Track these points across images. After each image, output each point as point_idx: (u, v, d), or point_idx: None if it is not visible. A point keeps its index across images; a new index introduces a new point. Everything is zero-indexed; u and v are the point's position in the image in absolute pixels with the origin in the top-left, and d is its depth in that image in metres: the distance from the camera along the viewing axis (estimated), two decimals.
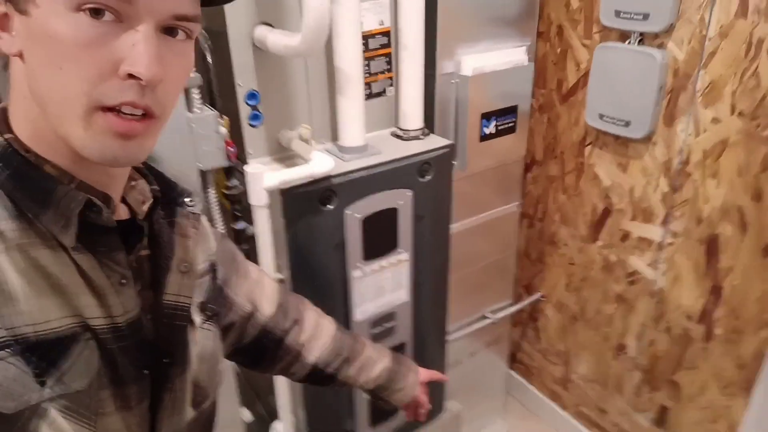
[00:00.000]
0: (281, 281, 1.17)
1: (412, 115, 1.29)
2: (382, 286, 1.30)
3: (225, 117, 1.08)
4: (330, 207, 1.14)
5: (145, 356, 0.55)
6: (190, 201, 0.63)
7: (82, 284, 0.49)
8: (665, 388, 1.61)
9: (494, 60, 1.41)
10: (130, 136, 0.47)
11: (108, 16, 0.44)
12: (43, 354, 0.46)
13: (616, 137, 1.50)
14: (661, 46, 1.33)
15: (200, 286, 0.65)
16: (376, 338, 1.35)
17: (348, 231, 1.18)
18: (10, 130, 0.50)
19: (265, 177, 1.04)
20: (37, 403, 0.46)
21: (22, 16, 0.45)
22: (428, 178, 1.25)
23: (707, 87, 1.28)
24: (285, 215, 1.10)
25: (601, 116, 1.48)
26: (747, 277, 1.32)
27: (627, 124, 1.43)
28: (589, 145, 1.61)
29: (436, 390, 1.59)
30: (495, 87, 1.43)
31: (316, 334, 0.86)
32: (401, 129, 1.32)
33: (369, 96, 1.29)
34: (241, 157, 1.18)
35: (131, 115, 0.47)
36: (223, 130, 1.06)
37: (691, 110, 1.33)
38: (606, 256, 1.66)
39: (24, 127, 0.49)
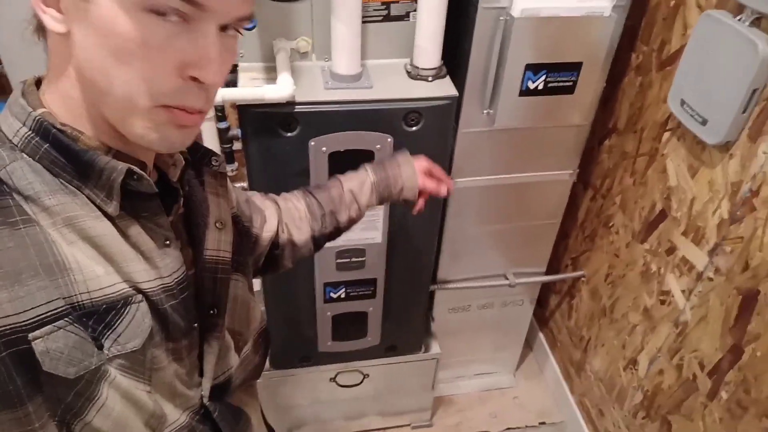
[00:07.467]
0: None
1: (426, 51, 1.13)
2: None
3: None
4: (291, 134, 1.08)
5: (193, 311, 0.58)
6: (216, 160, 0.64)
7: (129, 250, 0.50)
8: (658, 423, 1.42)
9: (559, 1, 1.14)
10: (188, 126, 0.49)
11: (174, 16, 0.43)
12: (99, 318, 0.48)
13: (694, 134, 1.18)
14: None
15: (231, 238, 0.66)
16: (343, 268, 1.34)
17: (312, 162, 1.13)
18: (42, 105, 0.48)
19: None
20: (97, 367, 0.48)
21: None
22: (416, 128, 1.12)
23: None
24: (243, 131, 1.08)
25: (683, 103, 1.16)
26: None
27: (704, 122, 1.11)
28: (669, 131, 1.30)
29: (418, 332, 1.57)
30: (551, 36, 1.17)
31: (296, 223, 0.85)
32: (412, 65, 1.17)
33: (386, 18, 1.14)
34: None
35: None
36: None
37: None
38: (648, 263, 1.41)
39: (61, 104, 0.48)
